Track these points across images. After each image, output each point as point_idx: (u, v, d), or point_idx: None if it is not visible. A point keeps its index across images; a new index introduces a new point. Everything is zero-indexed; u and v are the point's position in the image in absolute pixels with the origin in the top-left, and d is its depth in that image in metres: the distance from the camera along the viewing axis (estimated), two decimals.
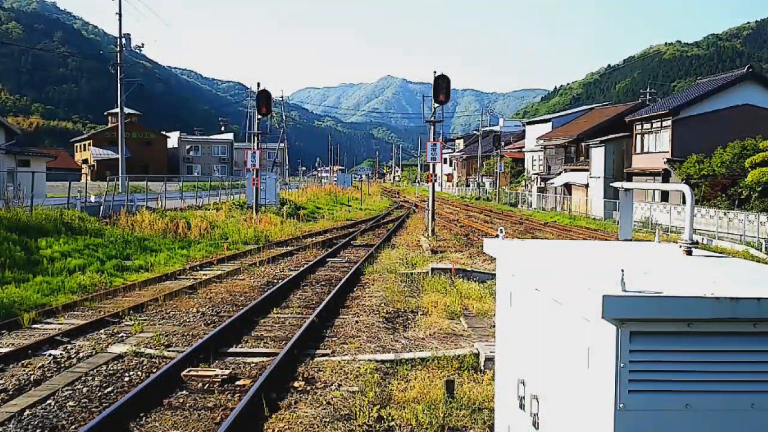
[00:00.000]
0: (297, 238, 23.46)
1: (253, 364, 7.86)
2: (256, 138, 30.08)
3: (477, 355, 7.64)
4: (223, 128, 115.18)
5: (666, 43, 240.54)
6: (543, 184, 51.26)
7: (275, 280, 14.07)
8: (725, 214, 27.90)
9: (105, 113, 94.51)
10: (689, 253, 3.04)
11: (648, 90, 58.49)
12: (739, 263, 2.92)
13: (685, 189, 3.07)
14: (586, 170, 42.54)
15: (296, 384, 6.97)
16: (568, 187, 45.93)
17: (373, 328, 9.66)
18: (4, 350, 8.15)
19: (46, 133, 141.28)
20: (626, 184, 3.85)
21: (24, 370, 7.46)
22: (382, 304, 11.33)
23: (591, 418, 2.18)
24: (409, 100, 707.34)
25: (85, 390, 6.83)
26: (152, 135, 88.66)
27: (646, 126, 37.11)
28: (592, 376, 2.16)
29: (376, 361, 7.70)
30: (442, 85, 22.87)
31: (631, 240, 3.89)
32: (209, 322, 10.15)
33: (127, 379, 7.24)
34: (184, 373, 7.23)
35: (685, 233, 3.07)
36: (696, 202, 29.21)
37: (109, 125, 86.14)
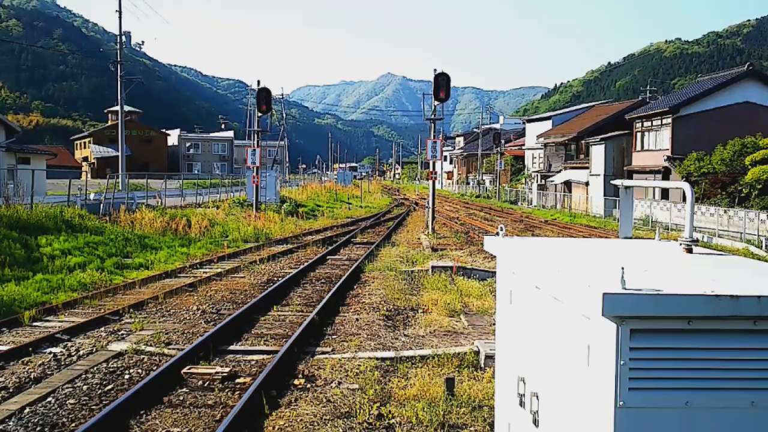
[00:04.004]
0: (297, 236, 23.46)
1: (253, 362, 7.87)
2: (256, 136, 30.08)
3: (477, 353, 7.65)
4: (223, 126, 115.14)
5: (666, 41, 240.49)
6: (543, 182, 51.25)
7: (275, 278, 14.07)
8: (725, 211, 27.89)
9: (105, 111, 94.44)
10: (689, 250, 3.04)
11: (648, 88, 58.47)
12: (739, 261, 2.92)
13: (685, 187, 3.07)
14: (587, 168, 42.53)
15: (296, 381, 6.97)
16: (568, 184, 45.93)
17: (374, 325, 9.66)
18: (4, 348, 8.15)
19: (46, 130, 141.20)
20: (626, 182, 3.84)
21: (24, 368, 7.46)
22: (383, 302, 11.34)
23: (591, 416, 2.18)
24: (409, 98, 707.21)
25: (85, 388, 6.83)
26: (152, 133, 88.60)
27: (647, 123, 37.09)
28: (592, 374, 2.16)
29: (377, 358, 7.70)
30: (442, 82, 22.86)
31: (631, 238, 3.89)
32: (209, 319, 10.16)
33: (127, 376, 7.24)
34: (184, 370, 7.24)
35: (686, 231, 3.07)
36: (696, 199, 29.22)
37: (109, 123, 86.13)
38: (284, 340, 8.69)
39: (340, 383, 6.87)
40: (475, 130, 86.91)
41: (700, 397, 2.04)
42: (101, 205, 23.57)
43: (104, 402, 6.42)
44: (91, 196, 26.27)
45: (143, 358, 7.92)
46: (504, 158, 60.67)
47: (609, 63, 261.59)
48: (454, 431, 5.64)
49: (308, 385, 6.85)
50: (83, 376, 7.23)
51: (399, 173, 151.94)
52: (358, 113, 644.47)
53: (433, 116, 24.65)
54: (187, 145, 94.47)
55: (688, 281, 2.29)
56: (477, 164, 72.06)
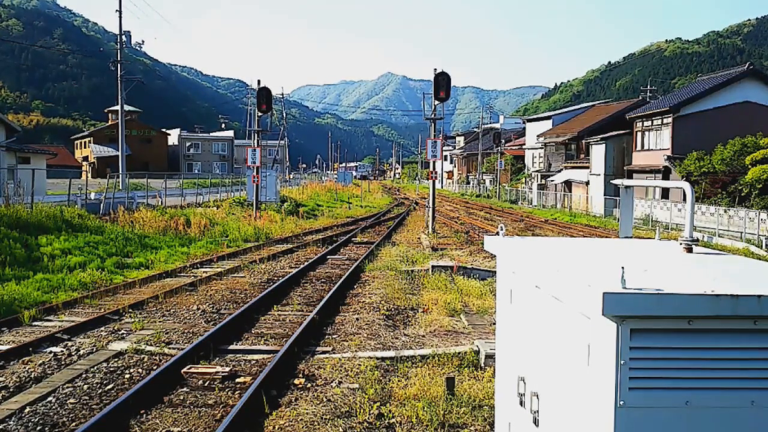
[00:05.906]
0: (297, 236, 23.45)
1: (253, 362, 7.87)
2: (256, 135, 30.07)
3: (477, 353, 7.65)
4: (223, 125, 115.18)
5: (666, 41, 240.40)
6: (543, 182, 51.25)
7: (275, 278, 14.07)
8: (725, 211, 27.89)
9: (105, 110, 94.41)
10: (689, 250, 3.04)
11: (648, 87, 58.46)
12: (739, 260, 2.92)
13: (686, 186, 3.07)
14: (587, 167, 42.53)
15: (296, 381, 6.97)
16: (568, 184, 45.93)
17: (374, 325, 9.66)
18: (4, 347, 8.15)
19: (46, 130, 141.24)
20: (626, 182, 3.84)
21: (24, 368, 7.46)
22: (383, 302, 11.34)
23: (591, 416, 2.18)
24: (409, 97, 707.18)
25: (85, 387, 6.83)
26: (152, 132, 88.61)
27: (647, 123, 37.09)
28: (593, 374, 2.16)
29: (377, 358, 7.70)
30: (442, 82, 22.85)
31: (631, 237, 3.89)
32: (210, 319, 10.16)
33: (127, 376, 7.24)
34: (184, 370, 7.24)
35: (686, 230, 3.07)
36: (696, 199, 29.21)
37: (110, 122, 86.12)
38: (284, 339, 8.69)
39: (340, 383, 6.87)
40: (475, 129, 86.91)
41: (700, 397, 2.04)
42: (101, 204, 23.58)
43: (104, 401, 6.42)
44: (92, 196, 26.29)
45: (143, 358, 7.92)
46: (504, 158, 60.69)
47: (609, 63, 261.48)
48: (455, 431, 5.64)
49: (308, 385, 6.85)
50: (83, 375, 7.23)
51: (399, 173, 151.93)
52: (358, 113, 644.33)
53: (433, 116, 24.64)
54: (187, 144, 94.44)
55: (688, 281, 2.29)
56: (477, 164, 72.07)
